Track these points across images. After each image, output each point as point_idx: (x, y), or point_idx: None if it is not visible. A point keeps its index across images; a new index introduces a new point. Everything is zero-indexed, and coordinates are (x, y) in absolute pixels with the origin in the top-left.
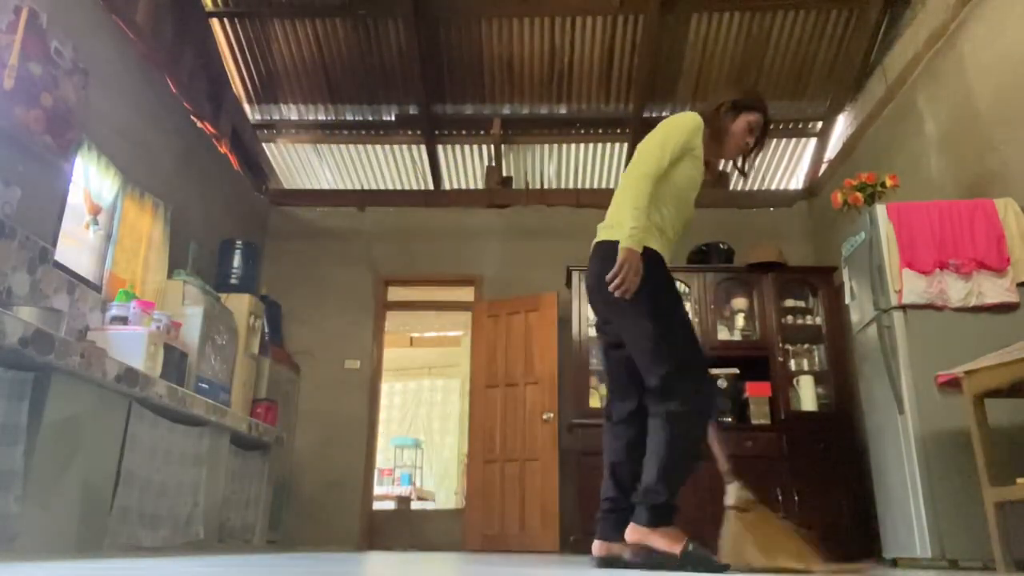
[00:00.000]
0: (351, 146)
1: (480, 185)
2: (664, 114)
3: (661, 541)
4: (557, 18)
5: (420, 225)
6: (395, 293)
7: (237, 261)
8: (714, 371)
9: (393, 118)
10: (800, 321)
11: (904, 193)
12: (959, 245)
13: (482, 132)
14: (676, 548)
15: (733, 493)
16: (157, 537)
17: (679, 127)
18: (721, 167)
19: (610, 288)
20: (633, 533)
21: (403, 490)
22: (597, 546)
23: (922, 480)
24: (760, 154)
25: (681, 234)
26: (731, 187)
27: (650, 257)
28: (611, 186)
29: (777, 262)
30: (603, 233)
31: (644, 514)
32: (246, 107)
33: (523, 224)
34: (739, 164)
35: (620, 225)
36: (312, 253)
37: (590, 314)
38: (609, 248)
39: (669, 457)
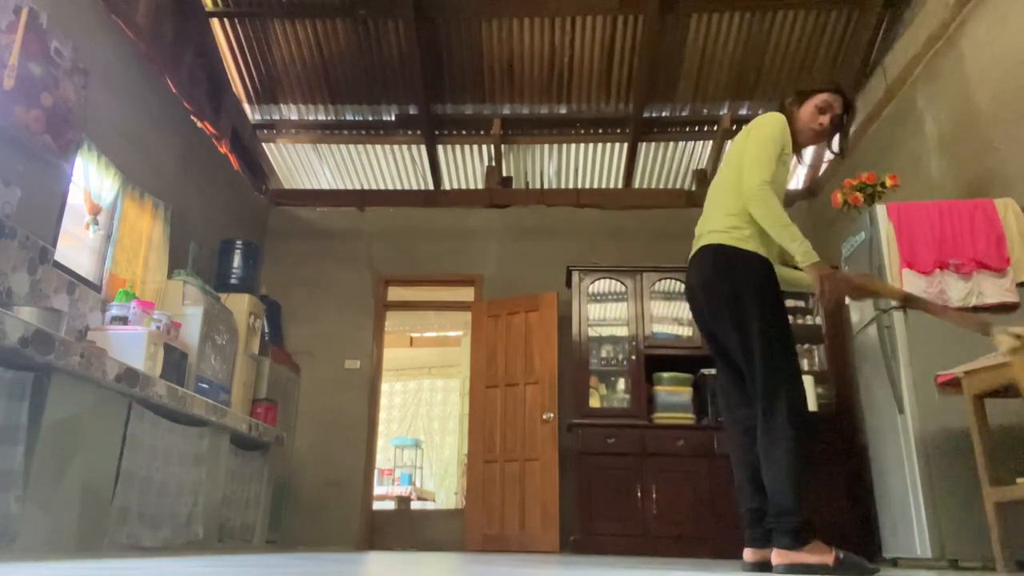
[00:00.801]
0: (351, 146)
1: (480, 185)
2: (664, 114)
3: (811, 557)
4: (557, 18)
5: (420, 225)
6: (395, 293)
7: (237, 261)
8: (714, 371)
9: (393, 118)
10: (800, 321)
11: (904, 193)
12: (959, 245)
13: (482, 132)
14: (828, 559)
15: (1001, 339)
16: (157, 537)
17: (776, 132)
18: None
19: (824, 304)
20: (780, 557)
21: (403, 490)
22: (749, 553)
23: (922, 480)
24: (849, 130)
25: None
26: None
27: (762, 266)
28: (611, 186)
29: None
30: (710, 237)
31: (787, 539)
32: (246, 107)
33: (523, 224)
34: (832, 148)
35: (731, 229)
36: (312, 253)
37: (590, 314)
38: (720, 252)
39: (794, 475)
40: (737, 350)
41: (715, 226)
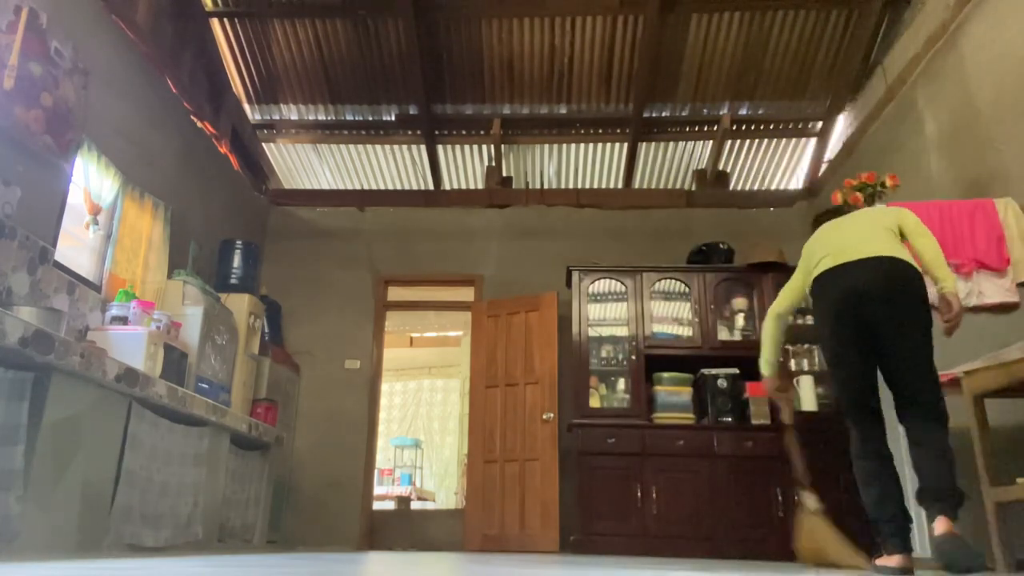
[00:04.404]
0: (351, 146)
1: (480, 185)
2: (664, 114)
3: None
4: (557, 18)
5: (420, 225)
6: (395, 293)
7: (237, 261)
8: (714, 371)
9: (393, 118)
10: (800, 321)
11: (904, 193)
12: (959, 245)
13: (482, 132)
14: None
15: (808, 500)
16: (158, 537)
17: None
18: (722, 167)
19: (947, 328)
20: (946, 524)
21: (403, 490)
22: (904, 559)
23: None
24: None
25: None
26: (731, 187)
27: None
28: (611, 186)
29: (777, 262)
30: (892, 250)
31: (952, 510)
32: (246, 107)
33: (523, 224)
34: None
35: (908, 256)
36: (312, 253)
37: (590, 314)
38: (913, 269)
39: (953, 458)
40: (903, 350)
41: (892, 250)
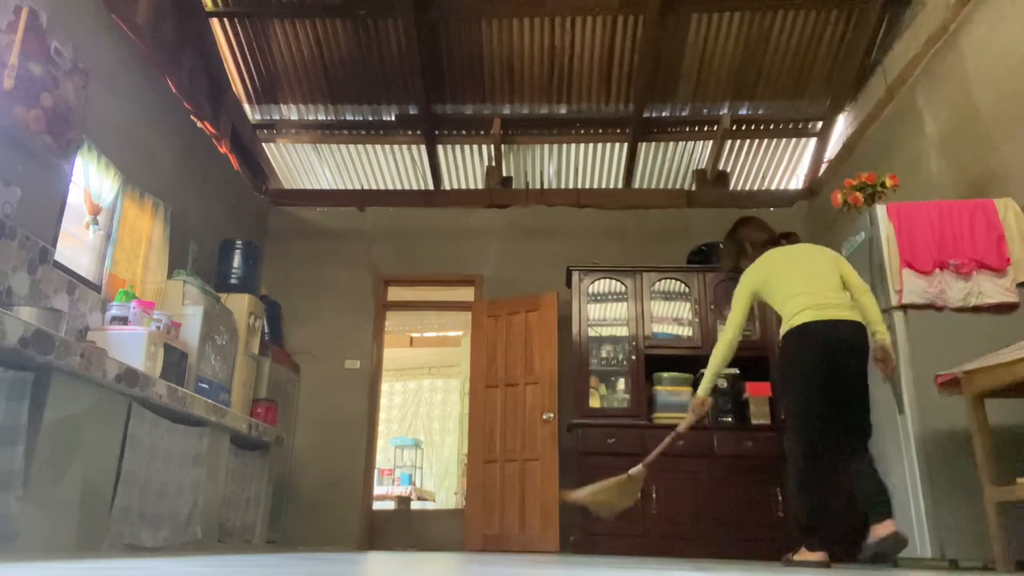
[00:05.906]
0: (351, 146)
1: (480, 185)
2: (664, 114)
3: None
4: (557, 18)
5: (420, 225)
6: (395, 293)
7: (237, 261)
8: None
9: (393, 118)
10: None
11: (904, 193)
12: (959, 245)
13: (482, 132)
14: None
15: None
16: (157, 537)
17: None
18: (722, 167)
19: (888, 373)
20: (893, 525)
21: (403, 490)
22: (821, 555)
23: (922, 480)
24: None
25: None
26: (731, 187)
27: None
28: (611, 186)
29: None
30: (855, 315)
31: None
32: (246, 107)
33: (523, 224)
34: None
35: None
36: (312, 253)
37: (590, 314)
38: (866, 331)
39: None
40: (861, 396)
41: (849, 311)
